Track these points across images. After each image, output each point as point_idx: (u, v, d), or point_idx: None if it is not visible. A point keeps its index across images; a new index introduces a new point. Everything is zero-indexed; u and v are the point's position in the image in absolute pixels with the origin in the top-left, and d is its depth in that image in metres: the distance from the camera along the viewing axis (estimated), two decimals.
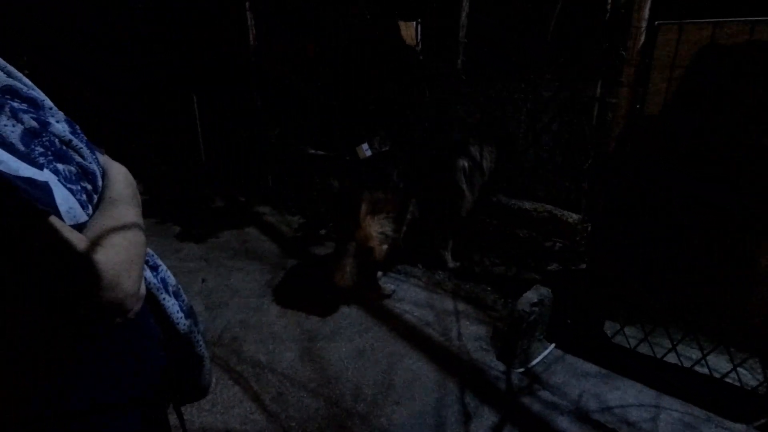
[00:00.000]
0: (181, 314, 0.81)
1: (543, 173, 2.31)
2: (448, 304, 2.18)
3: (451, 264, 2.41)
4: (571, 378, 1.79)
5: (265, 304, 2.26)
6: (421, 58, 2.76)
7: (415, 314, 2.12)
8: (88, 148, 0.66)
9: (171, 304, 0.78)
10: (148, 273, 0.74)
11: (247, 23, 3.36)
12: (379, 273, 2.27)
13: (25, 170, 0.53)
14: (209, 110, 3.57)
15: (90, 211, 0.61)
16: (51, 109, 0.65)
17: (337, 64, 3.01)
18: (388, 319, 2.11)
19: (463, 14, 2.42)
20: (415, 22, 2.75)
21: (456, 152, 2.22)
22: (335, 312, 2.16)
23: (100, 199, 0.64)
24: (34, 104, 0.63)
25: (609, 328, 2.03)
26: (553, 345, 1.94)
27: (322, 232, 2.88)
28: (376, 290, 2.21)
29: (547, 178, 2.33)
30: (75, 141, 0.63)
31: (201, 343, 0.87)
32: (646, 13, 1.63)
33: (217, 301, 2.30)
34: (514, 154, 2.38)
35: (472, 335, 1.99)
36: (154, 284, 0.75)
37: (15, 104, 0.60)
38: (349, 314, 2.15)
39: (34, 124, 0.59)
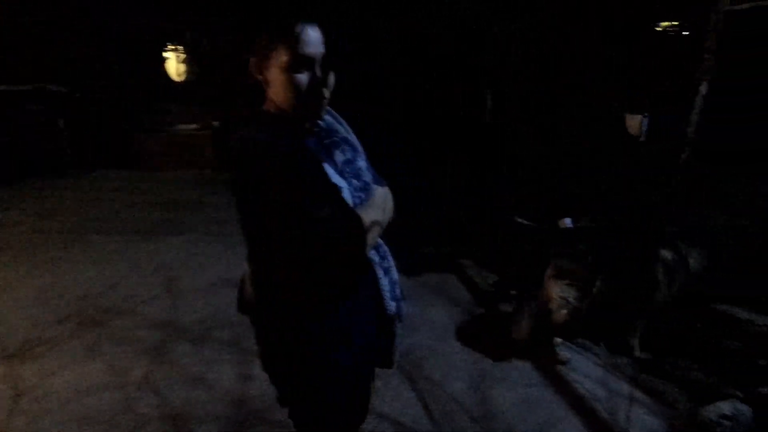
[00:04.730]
0: (389, 296, 1.19)
1: None
2: (623, 388, 2.27)
3: (637, 353, 2.45)
4: None
5: (449, 338, 2.78)
6: (643, 149, 2.96)
7: (585, 386, 2.29)
8: (373, 177, 1.17)
9: (385, 284, 1.18)
10: (377, 262, 1.17)
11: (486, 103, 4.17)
12: (558, 340, 2.52)
13: (336, 179, 1.05)
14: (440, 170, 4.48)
15: (359, 207, 1.07)
16: (360, 152, 1.17)
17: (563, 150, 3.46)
18: (556, 382, 2.34)
19: (695, 111, 2.56)
20: (641, 115, 3.00)
21: (661, 243, 2.35)
22: (508, 361, 2.51)
23: (369, 202, 1.12)
24: (354, 148, 1.16)
25: None
26: None
27: (513, 292, 3.27)
28: (552, 354, 2.47)
29: None
30: (365, 172, 1.14)
31: (397, 326, 1.27)
32: None
33: (411, 325, 2.92)
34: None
35: (642, 425, 2.05)
36: (378, 263, 1.17)
37: (345, 147, 1.13)
38: (521, 367, 2.48)
39: (350, 157, 1.12)
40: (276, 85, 1.03)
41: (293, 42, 0.98)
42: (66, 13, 7.23)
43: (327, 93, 1.05)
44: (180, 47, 7.26)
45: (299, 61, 0.99)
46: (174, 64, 7.19)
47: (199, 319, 2.98)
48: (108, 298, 3.28)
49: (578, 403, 2.20)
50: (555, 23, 3.76)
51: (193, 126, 7.83)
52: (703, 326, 2.32)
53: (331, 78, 1.06)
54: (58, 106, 7.63)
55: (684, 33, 3.69)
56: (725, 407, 1.85)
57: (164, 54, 7.21)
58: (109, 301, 3.23)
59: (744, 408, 1.85)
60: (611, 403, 2.17)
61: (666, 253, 2.37)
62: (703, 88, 2.71)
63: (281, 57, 1.00)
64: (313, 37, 1.00)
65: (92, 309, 3.12)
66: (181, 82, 7.40)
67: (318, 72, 1.02)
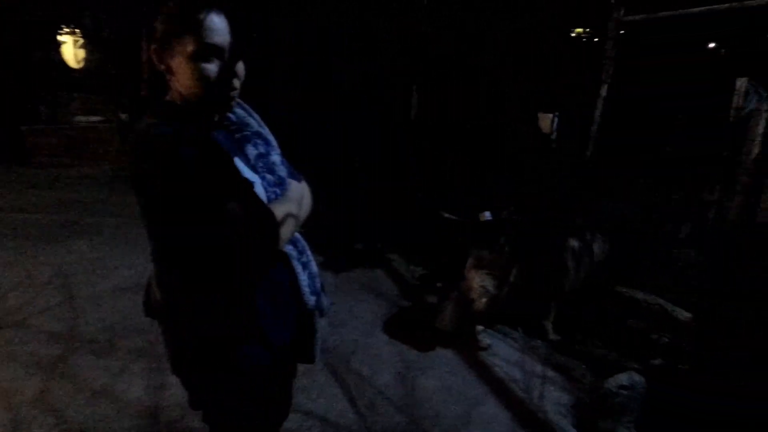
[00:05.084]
0: (308, 290, 1.14)
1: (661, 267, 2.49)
2: (538, 369, 2.46)
3: (551, 336, 2.66)
4: None
5: (376, 332, 2.82)
6: (554, 146, 3.23)
7: (504, 369, 2.45)
8: (288, 172, 1.13)
9: (303, 278, 1.13)
10: (294, 257, 1.12)
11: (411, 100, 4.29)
12: (480, 327, 2.65)
13: (248, 174, 1.01)
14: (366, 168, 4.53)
15: (273, 202, 1.04)
16: (274, 146, 1.13)
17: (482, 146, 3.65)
18: (478, 367, 2.47)
19: (597, 112, 2.85)
20: (552, 115, 3.27)
21: (569, 233, 2.57)
22: (433, 351, 2.60)
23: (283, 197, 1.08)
24: (267, 142, 1.12)
25: None
26: None
27: (438, 284, 3.40)
28: (474, 341, 2.60)
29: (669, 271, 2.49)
30: (279, 166, 1.11)
31: (318, 321, 1.20)
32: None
33: (339, 321, 2.93)
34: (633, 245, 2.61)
35: (553, 399, 2.24)
36: (295, 258, 1.13)
37: (258, 141, 1.09)
38: (444, 355, 2.58)
39: (263, 151, 1.09)
40: (181, 75, 0.98)
41: (198, 30, 0.94)
42: None
43: (237, 84, 1.02)
44: (78, 30, 6.58)
45: (205, 50, 0.95)
46: (71, 50, 6.50)
47: (104, 328, 2.74)
48: None
49: (498, 386, 2.34)
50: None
51: (96, 118, 7.18)
52: (606, 308, 2.57)
53: (241, 68, 1.02)
54: None
55: (595, 39, 4.05)
56: (623, 378, 2.07)
57: (59, 38, 6.50)
58: None
59: (639, 378, 2.08)
60: (527, 383, 2.34)
61: (573, 242, 2.60)
62: (603, 91, 3.01)
63: (186, 46, 0.95)
64: (219, 25, 0.96)
65: None
66: (81, 69, 6.73)
67: (226, 61, 0.98)
